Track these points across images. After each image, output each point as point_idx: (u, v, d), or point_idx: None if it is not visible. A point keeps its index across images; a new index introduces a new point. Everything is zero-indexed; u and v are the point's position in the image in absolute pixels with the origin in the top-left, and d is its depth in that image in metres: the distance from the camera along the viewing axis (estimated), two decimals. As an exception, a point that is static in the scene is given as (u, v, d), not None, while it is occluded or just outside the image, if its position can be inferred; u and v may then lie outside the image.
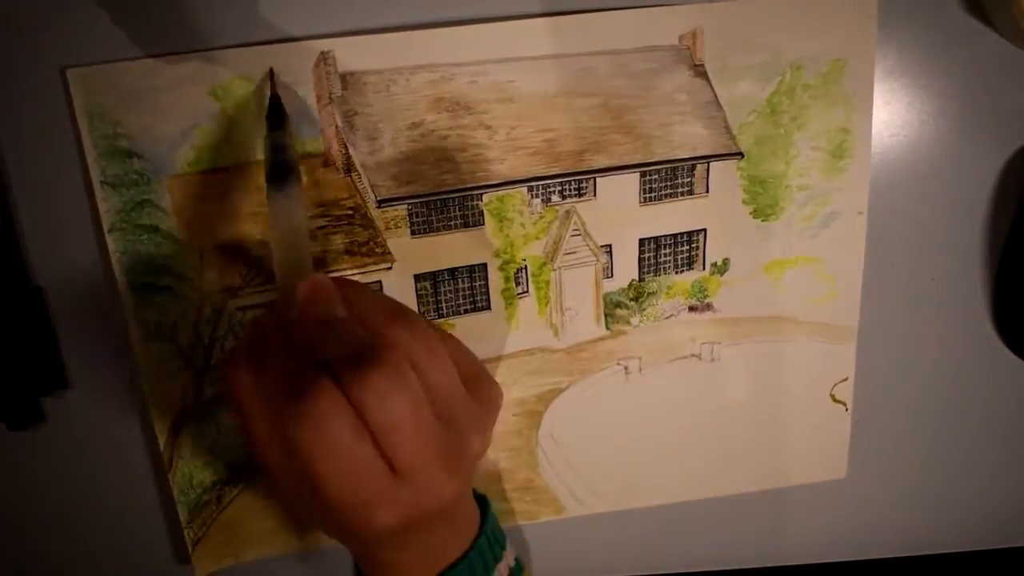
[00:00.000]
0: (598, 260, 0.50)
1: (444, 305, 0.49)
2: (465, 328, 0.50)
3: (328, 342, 0.33)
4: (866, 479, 0.56)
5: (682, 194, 0.49)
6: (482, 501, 0.44)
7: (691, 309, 0.52)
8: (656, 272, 0.51)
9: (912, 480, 0.57)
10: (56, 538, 0.53)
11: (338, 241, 0.47)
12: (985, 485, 0.58)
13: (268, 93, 0.44)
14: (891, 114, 0.50)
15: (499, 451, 0.53)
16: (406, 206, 0.47)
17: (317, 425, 0.31)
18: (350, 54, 0.44)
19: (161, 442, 0.49)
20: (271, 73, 0.44)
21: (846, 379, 0.54)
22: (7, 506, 0.52)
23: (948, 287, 0.53)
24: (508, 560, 0.43)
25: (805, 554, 0.59)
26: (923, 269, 0.53)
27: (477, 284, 0.49)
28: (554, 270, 0.50)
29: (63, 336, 0.48)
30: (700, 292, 0.51)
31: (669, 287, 0.51)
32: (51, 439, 0.50)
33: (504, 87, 0.46)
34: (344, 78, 0.45)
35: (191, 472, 0.50)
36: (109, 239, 0.46)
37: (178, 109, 0.44)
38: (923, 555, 0.60)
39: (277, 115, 0.42)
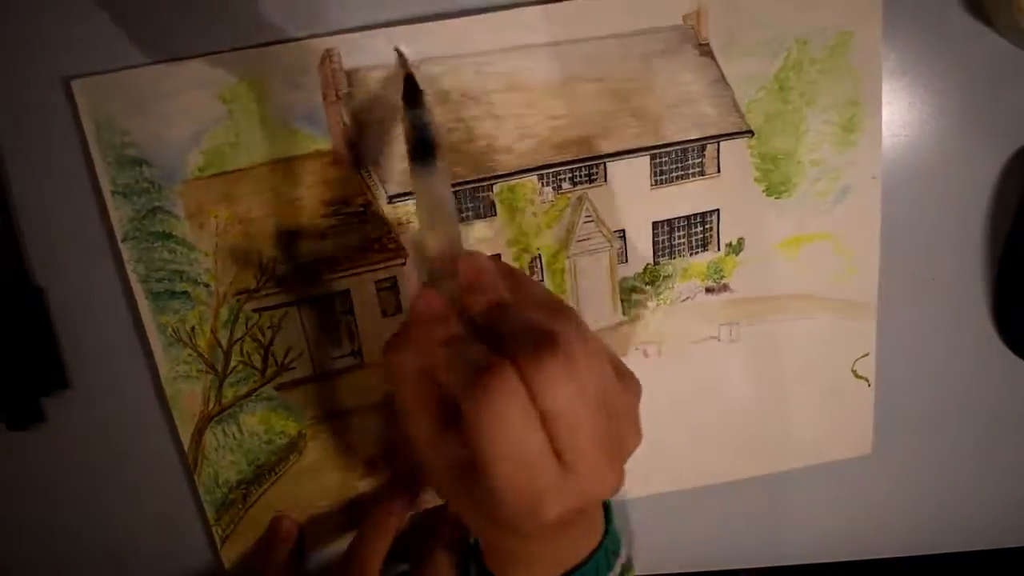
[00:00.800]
0: (612, 245, 0.50)
1: (459, 298, 0.49)
2: (481, 320, 0.50)
3: (502, 325, 0.33)
4: (891, 454, 0.56)
5: (693, 175, 0.49)
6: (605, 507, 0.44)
7: (708, 291, 0.51)
8: (671, 255, 0.50)
9: (935, 454, 0.57)
10: (54, 538, 0.53)
11: (350, 239, 0.47)
12: (986, 485, 0.58)
13: (402, 72, 0.42)
14: (892, 114, 0.50)
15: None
16: (417, 200, 0.47)
17: (496, 404, 0.31)
18: (354, 51, 0.44)
19: (185, 443, 0.49)
20: (399, 53, 0.44)
21: (867, 354, 0.53)
22: (6, 506, 0.52)
23: (948, 287, 0.53)
24: (622, 558, 0.43)
25: (832, 534, 0.59)
26: (923, 269, 0.53)
27: (491, 275, 0.49)
28: (568, 257, 0.50)
29: (63, 336, 0.49)
30: (716, 273, 0.51)
31: (684, 269, 0.51)
32: (51, 439, 0.50)
33: (510, 76, 0.46)
34: (350, 75, 0.45)
35: (216, 472, 0.50)
36: (123, 248, 0.46)
37: (186, 114, 0.44)
38: (923, 555, 0.60)
39: (414, 93, 0.41)
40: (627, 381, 0.37)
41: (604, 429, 0.33)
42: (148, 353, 0.48)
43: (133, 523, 0.52)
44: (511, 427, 0.31)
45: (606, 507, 0.43)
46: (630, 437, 0.36)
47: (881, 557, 0.59)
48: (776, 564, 0.59)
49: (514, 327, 0.33)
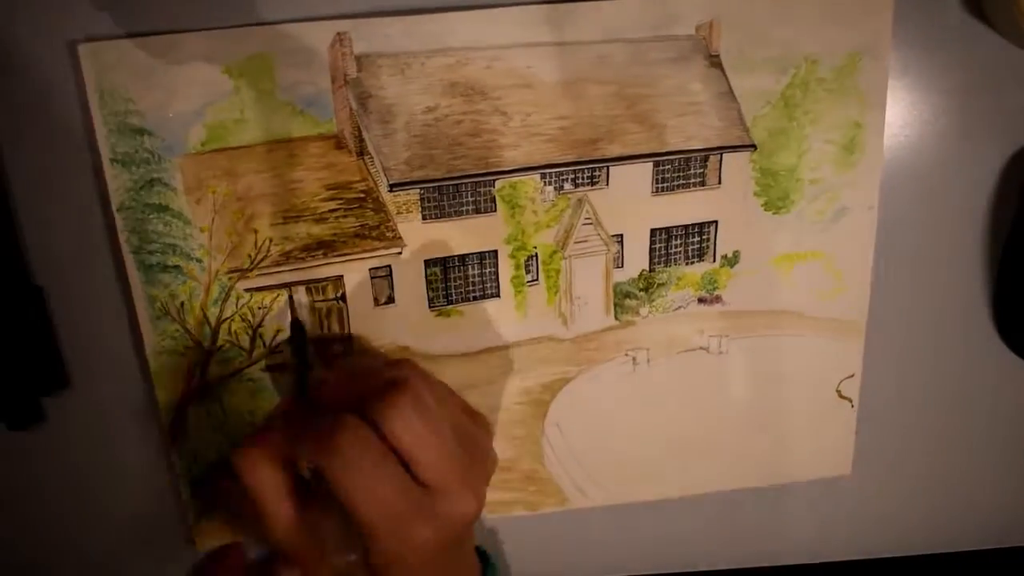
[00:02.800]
0: (609, 249, 0.50)
1: (453, 291, 0.49)
2: (474, 315, 0.50)
3: (350, 389, 0.37)
4: (870, 476, 0.56)
5: (694, 185, 0.49)
6: (483, 555, 0.47)
7: (700, 301, 0.52)
8: (666, 263, 0.51)
9: (914, 478, 0.58)
10: (56, 535, 0.52)
11: (348, 224, 0.47)
12: (986, 485, 0.58)
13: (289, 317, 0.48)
14: (892, 114, 0.50)
15: (504, 440, 0.52)
16: (418, 190, 0.47)
17: (349, 452, 0.34)
18: (366, 36, 0.44)
19: (166, 420, 0.49)
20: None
21: (852, 375, 0.54)
22: (8, 504, 0.52)
23: (948, 287, 0.53)
24: None
25: (808, 551, 0.59)
26: (923, 269, 0.53)
27: (487, 271, 0.49)
28: (565, 258, 0.50)
29: (63, 335, 0.48)
30: (710, 284, 0.51)
31: (679, 278, 0.51)
32: (51, 438, 0.50)
33: (520, 73, 0.46)
34: (359, 60, 0.45)
35: (195, 450, 0.49)
36: (118, 218, 0.45)
37: (193, 87, 0.44)
38: (923, 555, 0.60)
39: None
40: (477, 417, 0.42)
41: (457, 453, 0.37)
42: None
43: (133, 512, 0.52)
44: (368, 467, 0.34)
45: (484, 558, 0.46)
46: (486, 462, 0.40)
47: (878, 557, 0.60)
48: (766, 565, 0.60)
49: (360, 386, 0.37)
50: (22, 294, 0.46)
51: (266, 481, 0.38)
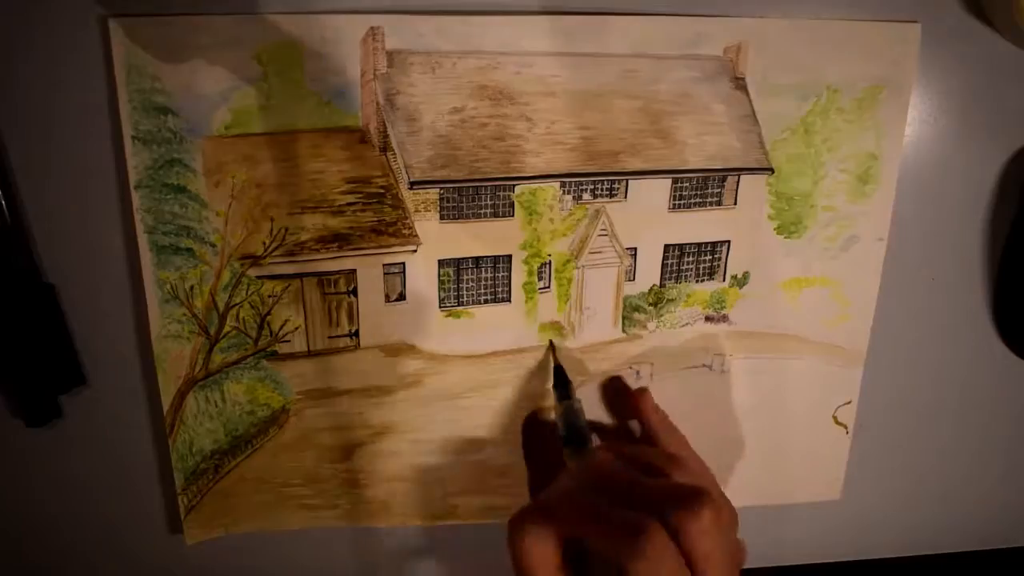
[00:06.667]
0: (622, 262, 0.50)
1: (465, 293, 0.49)
2: (483, 319, 0.50)
3: (644, 494, 0.38)
4: (859, 501, 0.57)
5: (710, 204, 0.50)
6: None
7: (707, 319, 0.52)
8: (677, 279, 0.51)
9: (905, 505, 0.58)
10: (61, 529, 0.52)
11: (366, 219, 0.47)
12: (986, 486, 0.59)
13: (552, 364, 0.50)
14: None
15: (504, 445, 0.52)
16: (438, 190, 0.47)
17: (652, 558, 0.35)
18: (399, 32, 0.44)
19: (165, 406, 0.48)
20: (552, 345, 0.50)
21: (849, 402, 0.54)
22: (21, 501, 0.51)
23: (948, 287, 0.54)
24: None
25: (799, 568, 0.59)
26: (923, 269, 0.53)
27: (500, 275, 0.49)
28: (578, 268, 0.50)
29: (78, 333, 0.48)
30: (718, 303, 0.52)
31: (688, 295, 0.51)
32: (69, 434, 0.50)
33: (548, 81, 0.46)
34: (391, 56, 0.45)
35: (191, 439, 0.49)
36: (134, 195, 0.45)
37: (220, 70, 0.43)
38: (922, 555, 0.61)
39: (564, 385, 0.48)
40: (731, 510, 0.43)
41: (732, 561, 0.39)
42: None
43: (131, 497, 0.52)
44: (664, 574, 0.35)
45: None
46: (741, 558, 0.43)
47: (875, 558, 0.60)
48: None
49: (663, 488, 0.39)
50: (34, 293, 0.46)
51: (538, 556, 0.39)
